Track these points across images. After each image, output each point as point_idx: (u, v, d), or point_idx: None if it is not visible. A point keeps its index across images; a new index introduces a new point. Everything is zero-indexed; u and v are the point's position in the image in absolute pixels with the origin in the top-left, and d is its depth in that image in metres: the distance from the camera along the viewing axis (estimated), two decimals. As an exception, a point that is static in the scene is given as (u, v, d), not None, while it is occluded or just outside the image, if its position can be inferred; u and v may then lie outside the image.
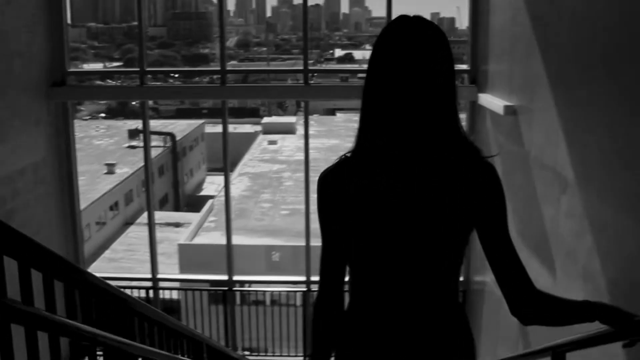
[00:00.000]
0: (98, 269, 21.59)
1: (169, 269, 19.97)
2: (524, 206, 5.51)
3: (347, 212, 1.63)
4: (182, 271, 16.55)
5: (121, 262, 21.55)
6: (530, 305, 1.63)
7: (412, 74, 1.56)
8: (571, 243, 4.39)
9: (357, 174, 1.62)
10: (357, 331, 1.73)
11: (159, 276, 7.67)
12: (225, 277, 7.67)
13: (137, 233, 24.39)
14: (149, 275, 7.63)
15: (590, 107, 3.94)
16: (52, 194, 7.29)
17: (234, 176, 24.91)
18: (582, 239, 4.18)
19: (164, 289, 7.89)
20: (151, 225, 7.71)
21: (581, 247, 4.20)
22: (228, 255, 7.69)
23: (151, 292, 7.51)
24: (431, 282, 1.68)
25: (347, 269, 1.74)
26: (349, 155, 1.67)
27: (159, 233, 25.29)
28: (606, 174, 3.76)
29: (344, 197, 1.63)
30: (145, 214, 26.94)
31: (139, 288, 7.88)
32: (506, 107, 5.62)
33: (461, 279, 7.52)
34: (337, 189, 1.64)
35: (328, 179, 1.66)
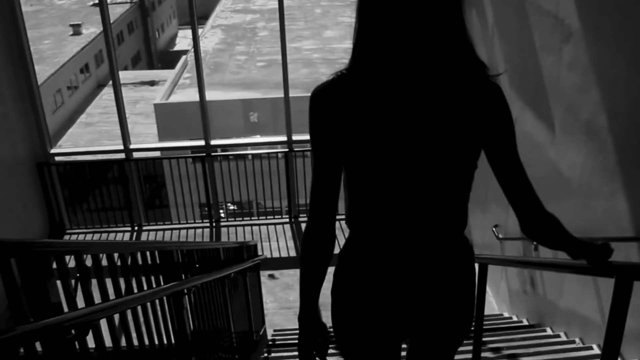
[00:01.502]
0: (75, 135, 21.14)
1: (147, 129, 19.61)
2: (519, 55, 4.99)
3: (344, 134, 1.47)
4: (160, 131, 16.09)
5: (97, 126, 21.02)
6: (539, 222, 1.61)
7: None
8: (573, 97, 3.96)
9: (354, 93, 1.45)
10: (358, 261, 1.61)
11: (132, 146, 7.20)
12: (202, 143, 7.24)
13: (112, 95, 23.57)
14: (121, 147, 7.14)
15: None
16: (1, 69, 6.58)
17: (206, 29, 23.71)
18: (587, 93, 3.75)
19: (142, 159, 7.46)
20: (118, 98, 7.10)
21: (585, 101, 3.77)
22: (203, 121, 7.19)
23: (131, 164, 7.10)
24: (437, 210, 1.55)
25: (345, 196, 1.60)
26: (344, 71, 1.48)
27: (135, 93, 24.68)
28: (620, 21, 3.24)
29: (339, 118, 1.46)
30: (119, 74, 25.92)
31: (114, 161, 7.46)
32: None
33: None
34: (331, 108, 1.47)
35: (321, 97, 1.49)
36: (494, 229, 5.66)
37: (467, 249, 1.67)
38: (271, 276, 6.48)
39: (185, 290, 2.70)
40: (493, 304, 5.88)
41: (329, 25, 22.49)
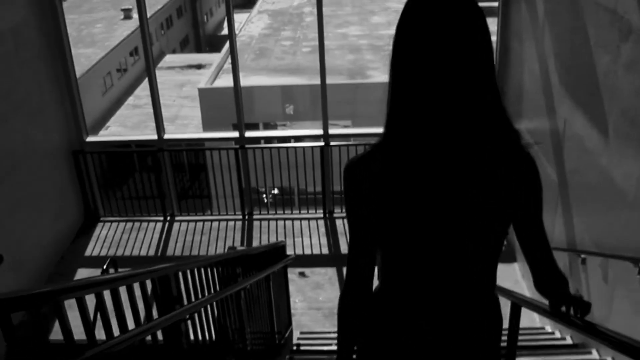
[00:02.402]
0: (123, 116, 21.33)
1: (193, 112, 19.62)
2: (572, 52, 4.56)
3: (377, 204, 1.47)
4: (203, 115, 16.02)
5: (145, 108, 21.11)
6: (552, 282, 1.66)
7: (445, 53, 1.34)
8: (630, 100, 3.53)
9: (387, 164, 1.45)
10: (385, 320, 1.63)
11: (166, 136, 7.04)
12: (236, 134, 7.03)
13: (159, 77, 23.57)
14: (155, 137, 6.99)
15: None
16: (39, 57, 6.49)
17: (253, 14, 23.53)
18: (647, 98, 3.33)
19: (174, 150, 7.30)
20: (153, 90, 6.94)
21: (644, 107, 3.36)
22: (238, 115, 6.96)
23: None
24: (466, 277, 1.55)
25: (378, 259, 1.60)
26: (377, 143, 1.49)
27: (182, 76, 24.75)
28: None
29: (372, 188, 1.47)
30: (166, 57, 26.07)
31: (148, 152, 7.32)
32: None
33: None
34: (365, 179, 1.48)
35: (354, 168, 1.50)
36: (537, 236, 5.25)
37: (495, 310, 1.66)
38: (302, 274, 6.23)
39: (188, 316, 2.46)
40: (534, 315, 5.48)
41: (376, 10, 21.98)
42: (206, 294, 2.87)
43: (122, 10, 25.31)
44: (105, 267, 5.44)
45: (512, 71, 6.31)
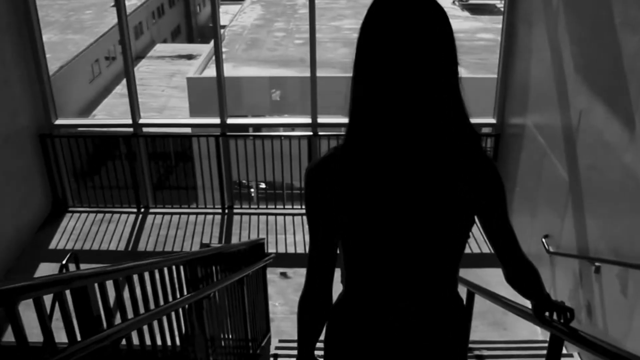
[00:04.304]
0: (110, 105, 20.65)
1: (182, 103, 18.97)
2: (593, 33, 4.00)
3: (338, 207, 1.45)
4: (191, 105, 15.38)
5: (133, 98, 20.49)
6: (523, 276, 1.67)
7: (408, 57, 1.31)
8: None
9: (347, 168, 1.43)
10: (350, 323, 1.62)
11: (142, 121, 6.43)
12: (218, 121, 6.43)
13: (149, 67, 23.07)
14: (129, 121, 6.38)
15: None
16: (4, 31, 5.86)
17: (245, 4, 22.88)
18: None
19: (151, 135, 6.69)
20: (128, 69, 6.33)
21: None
22: (220, 99, 6.36)
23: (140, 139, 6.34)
24: (429, 276, 1.55)
25: (342, 260, 1.58)
26: (339, 147, 1.47)
27: (171, 66, 24.09)
28: None
29: (333, 192, 1.45)
30: (157, 47, 25.39)
31: (121, 136, 6.70)
32: None
33: (493, 121, 6.27)
34: (325, 183, 1.46)
35: (315, 172, 1.48)
36: (543, 240, 4.70)
37: (459, 308, 1.67)
38: (283, 275, 5.65)
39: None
40: (535, 327, 4.92)
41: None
42: (162, 302, 2.30)
43: (113, -3, 24.55)
44: (64, 262, 4.85)
45: (517, 60, 5.75)
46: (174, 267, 2.44)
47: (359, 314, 1.58)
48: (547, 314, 1.86)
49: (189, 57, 23.17)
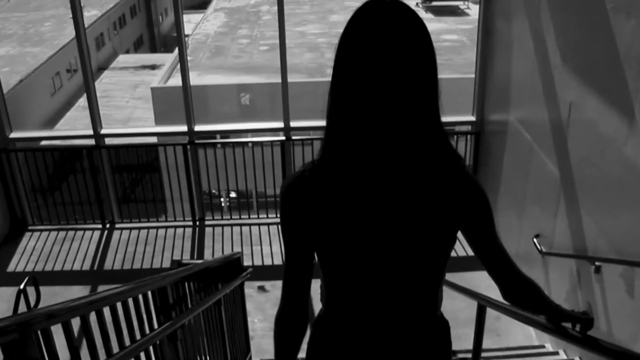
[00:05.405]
0: (73, 119, 19.96)
1: (147, 114, 18.40)
2: (582, 19, 3.75)
3: (315, 224, 1.40)
4: (156, 115, 14.87)
5: (97, 110, 19.82)
6: (520, 290, 1.58)
7: (387, 73, 1.26)
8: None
9: (324, 185, 1.37)
10: (330, 340, 1.56)
11: (104, 132, 5.99)
12: (184, 129, 6.02)
13: (112, 78, 22.40)
14: (90, 132, 5.93)
15: None
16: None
17: (209, 12, 22.43)
18: None
19: (114, 146, 6.24)
20: (87, 76, 5.88)
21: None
22: (186, 105, 5.96)
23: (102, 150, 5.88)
24: (410, 295, 1.49)
25: (321, 278, 1.53)
26: (315, 161, 1.40)
27: (135, 77, 23.45)
28: None
29: (310, 209, 1.39)
30: (119, 58, 24.73)
31: (83, 148, 6.24)
32: None
33: (473, 118, 6.00)
34: (301, 200, 1.40)
35: (290, 189, 1.42)
36: (535, 239, 4.43)
37: (442, 327, 1.61)
38: (261, 288, 5.28)
39: None
40: (530, 331, 4.65)
41: (335, 9, 21.17)
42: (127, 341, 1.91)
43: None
44: (22, 287, 4.39)
45: (496, 54, 5.50)
46: (140, 297, 2.06)
47: (338, 331, 1.54)
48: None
49: (153, 67, 22.59)
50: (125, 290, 1.85)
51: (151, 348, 2.04)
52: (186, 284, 2.89)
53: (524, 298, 1.60)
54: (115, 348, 1.74)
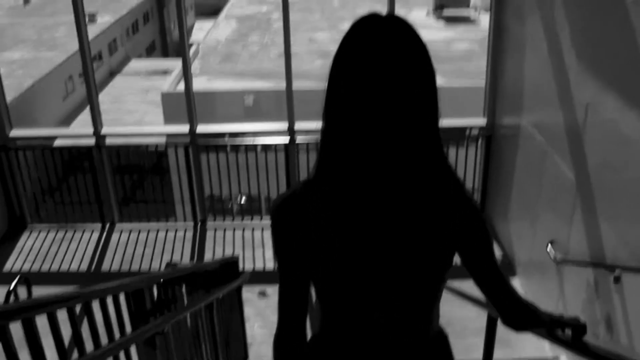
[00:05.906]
0: (84, 122, 19.89)
1: (157, 118, 18.33)
2: (597, 20, 3.53)
3: (309, 246, 1.34)
4: (166, 120, 14.75)
5: (108, 114, 19.71)
6: (519, 314, 1.55)
7: (385, 91, 1.20)
8: None
9: (318, 204, 1.32)
10: (329, 358, 1.51)
11: (104, 131, 5.82)
12: (185, 129, 5.84)
13: (124, 83, 22.37)
14: (90, 131, 5.77)
15: None
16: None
17: (220, 19, 22.39)
18: None
19: (115, 146, 6.07)
20: (88, 73, 5.72)
21: None
22: (188, 106, 5.79)
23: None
24: (407, 317, 1.45)
25: (316, 299, 1.47)
26: (307, 180, 1.36)
27: (146, 82, 23.42)
28: None
29: (303, 230, 1.33)
30: (132, 63, 24.73)
31: (84, 148, 6.08)
32: None
33: (484, 122, 5.78)
34: (294, 221, 1.34)
35: (282, 210, 1.36)
36: (548, 247, 4.18)
37: (440, 341, 1.57)
38: (262, 293, 5.06)
39: None
40: (542, 343, 4.38)
41: (346, 17, 21.05)
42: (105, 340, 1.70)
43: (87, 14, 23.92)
44: (12, 287, 4.20)
45: (508, 57, 5.27)
46: (121, 296, 1.86)
47: (336, 349, 1.49)
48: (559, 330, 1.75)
49: (164, 72, 22.55)
50: (93, 292, 1.64)
51: (121, 354, 1.82)
52: (176, 287, 2.69)
53: (523, 323, 1.58)
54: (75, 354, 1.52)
